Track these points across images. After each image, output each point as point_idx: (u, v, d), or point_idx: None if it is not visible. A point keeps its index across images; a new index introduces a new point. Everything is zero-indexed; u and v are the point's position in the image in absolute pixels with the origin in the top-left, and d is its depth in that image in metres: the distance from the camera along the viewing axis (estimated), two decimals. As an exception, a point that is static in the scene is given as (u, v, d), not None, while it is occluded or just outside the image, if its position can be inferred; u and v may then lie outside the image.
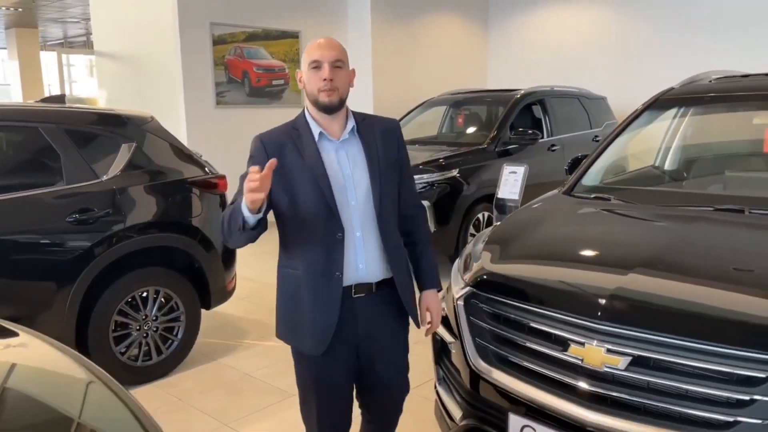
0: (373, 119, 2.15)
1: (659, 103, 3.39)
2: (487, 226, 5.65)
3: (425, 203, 5.50)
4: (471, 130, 7.09)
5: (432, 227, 5.53)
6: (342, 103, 2.00)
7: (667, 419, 1.74)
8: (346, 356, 2.06)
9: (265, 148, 2.00)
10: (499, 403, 2.07)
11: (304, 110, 2.07)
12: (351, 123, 2.04)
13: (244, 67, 8.00)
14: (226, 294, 4.15)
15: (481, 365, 2.14)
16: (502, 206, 5.36)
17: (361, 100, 9.05)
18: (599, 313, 1.89)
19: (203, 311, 4.02)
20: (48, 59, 18.10)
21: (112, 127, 3.76)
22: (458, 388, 2.29)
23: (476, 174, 5.80)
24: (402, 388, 2.26)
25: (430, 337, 2.48)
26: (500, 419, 2.06)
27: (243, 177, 1.88)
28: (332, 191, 1.96)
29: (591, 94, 7.56)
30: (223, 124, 7.71)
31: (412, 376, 2.31)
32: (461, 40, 10.20)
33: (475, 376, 2.15)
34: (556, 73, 9.22)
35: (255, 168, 1.71)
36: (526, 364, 2.04)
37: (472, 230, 5.78)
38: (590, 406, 1.84)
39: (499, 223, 2.91)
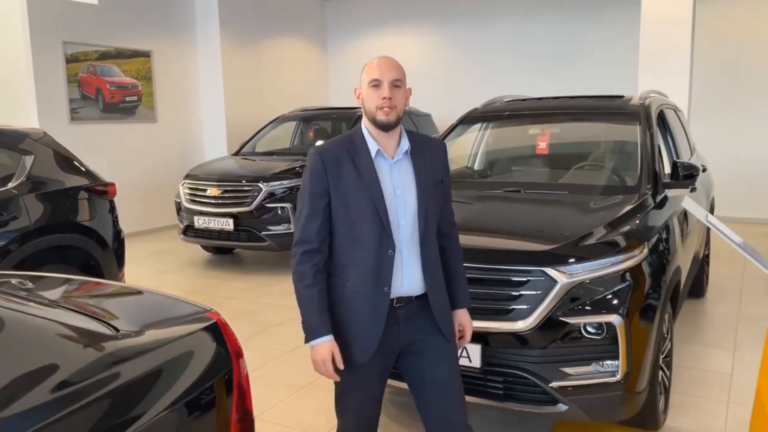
0: (423, 140, 2.19)
1: (468, 120, 4.59)
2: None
3: (287, 206, 6.38)
4: (321, 142, 8.04)
5: (293, 226, 6.37)
6: (398, 120, 2.06)
7: (482, 312, 2.77)
8: (383, 361, 2.13)
9: (323, 162, 2.05)
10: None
11: (360, 125, 2.13)
12: (405, 144, 2.11)
13: (97, 84, 8.27)
14: (119, 288, 4.68)
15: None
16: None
17: (213, 117, 9.65)
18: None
19: (99, 304, 4.52)
20: None
21: (11, 141, 4.18)
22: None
23: (328, 179, 6.75)
24: (459, 406, 2.19)
25: None
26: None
27: (305, 192, 2.07)
28: (387, 210, 2.03)
29: (419, 111, 8.88)
30: (78, 139, 7.88)
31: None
32: (305, 61, 11.17)
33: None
34: (388, 92, 10.51)
35: (333, 376, 2.05)
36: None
37: (327, 227, 6.71)
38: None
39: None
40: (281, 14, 10.67)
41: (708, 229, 5.77)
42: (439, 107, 9.86)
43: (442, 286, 2.18)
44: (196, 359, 1.58)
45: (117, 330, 1.55)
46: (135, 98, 8.79)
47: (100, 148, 8.18)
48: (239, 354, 1.74)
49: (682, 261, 3.61)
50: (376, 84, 2.03)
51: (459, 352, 2.57)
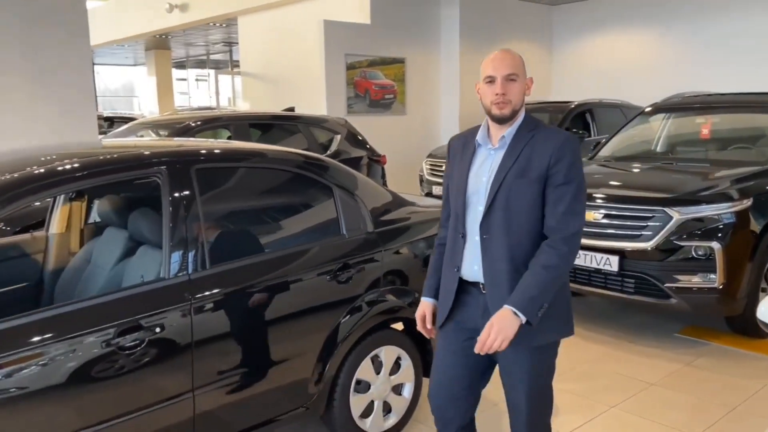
0: (539, 132, 2.07)
1: (653, 110, 5.85)
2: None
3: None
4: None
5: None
6: (514, 113, 2.05)
7: (622, 236, 4.22)
8: (460, 338, 2.18)
9: (448, 151, 2.29)
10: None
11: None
12: (508, 133, 2.07)
13: (366, 85, 10.81)
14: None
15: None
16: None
17: (449, 111, 11.74)
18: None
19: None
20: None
21: (329, 125, 6.54)
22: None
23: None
24: (523, 408, 2.13)
25: None
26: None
27: (444, 175, 2.35)
28: (464, 195, 2.11)
29: (630, 104, 9.91)
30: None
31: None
32: (530, 61, 12.47)
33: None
34: (604, 86, 11.60)
35: (423, 331, 2.30)
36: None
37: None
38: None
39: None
40: (513, 21, 12.37)
41: None
42: (649, 100, 10.65)
43: (502, 281, 2.04)
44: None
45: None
46: (392, 96, 11.20)
47: (366, 134, 10.69)
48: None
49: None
50: (490, 80, 2.06)
51: (599, 260, 4.21)
